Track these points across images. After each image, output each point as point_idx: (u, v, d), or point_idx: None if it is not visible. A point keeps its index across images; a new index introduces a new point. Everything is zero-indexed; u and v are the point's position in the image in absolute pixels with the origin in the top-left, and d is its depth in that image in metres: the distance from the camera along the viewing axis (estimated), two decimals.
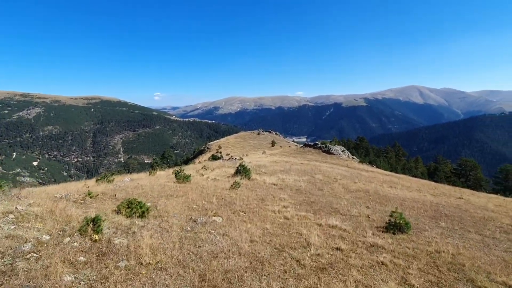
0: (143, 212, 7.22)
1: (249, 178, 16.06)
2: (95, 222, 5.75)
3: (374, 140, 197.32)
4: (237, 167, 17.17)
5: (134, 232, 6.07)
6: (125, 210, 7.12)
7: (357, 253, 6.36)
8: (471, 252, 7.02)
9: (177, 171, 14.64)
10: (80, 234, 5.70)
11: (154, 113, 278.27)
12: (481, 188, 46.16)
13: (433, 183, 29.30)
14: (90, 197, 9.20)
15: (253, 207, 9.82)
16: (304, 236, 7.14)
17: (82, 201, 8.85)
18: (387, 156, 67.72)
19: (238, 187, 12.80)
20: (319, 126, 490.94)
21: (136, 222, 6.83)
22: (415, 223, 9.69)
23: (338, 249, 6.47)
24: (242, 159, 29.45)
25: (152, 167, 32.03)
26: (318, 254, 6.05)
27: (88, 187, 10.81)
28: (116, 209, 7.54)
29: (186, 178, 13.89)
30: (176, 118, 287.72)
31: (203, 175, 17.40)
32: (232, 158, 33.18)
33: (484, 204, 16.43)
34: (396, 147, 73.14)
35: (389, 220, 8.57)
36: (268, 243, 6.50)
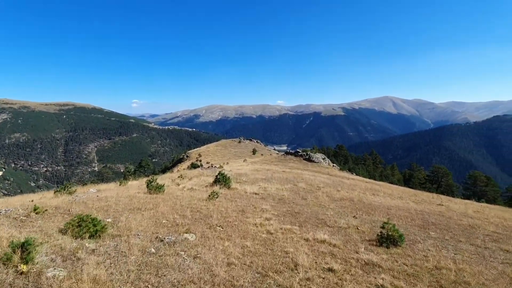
0: (96, 231, 5.91)
1: (229, 187, 14.95)
2: (25, 248, 4.43)
3: (352, 148, 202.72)
4: (216, 176, 16.01)
5: (79, 259, 4.79)
6: (73, 230, 5.80)
7: (351, 274, 5.48)
8: (471, 267, 6.40)
9: (149, 180, 13.21)
10: (4, 264, 4.36)
11: (132, 120, 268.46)
12: (452, 193, 47.87)
13: (412, 190, 29.62)
14: (36, 213, 7.67)
15: (232, 220, 8.74)
16: (290, 255, 6.17)
17: (25, 218, 7.33)
18: (365, 163, 69.05)
19: (216, 197, 11.66)
20: (299, 134, 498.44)
21: (86, 244, 5.53)
22: (406, 233, 9.06)
23: (330, 270, 5.55)
24: (222, 167, 28.21)
25: (124, 177, 29.89)
26: (308, 279, 5.09)
27: (32, 201, 9.20)
28: (64, 227, 6.18)
29: (159, 188, 12.52)
30: (155, 126, 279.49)
31: (179, 185, 16.03)
32: (212, 167, 31.81)
33: (464, 210, 16.40)
34: (373, 155, 74.91)
35: (381, 232, 7.85)
36: (248, 266, 5.46)
